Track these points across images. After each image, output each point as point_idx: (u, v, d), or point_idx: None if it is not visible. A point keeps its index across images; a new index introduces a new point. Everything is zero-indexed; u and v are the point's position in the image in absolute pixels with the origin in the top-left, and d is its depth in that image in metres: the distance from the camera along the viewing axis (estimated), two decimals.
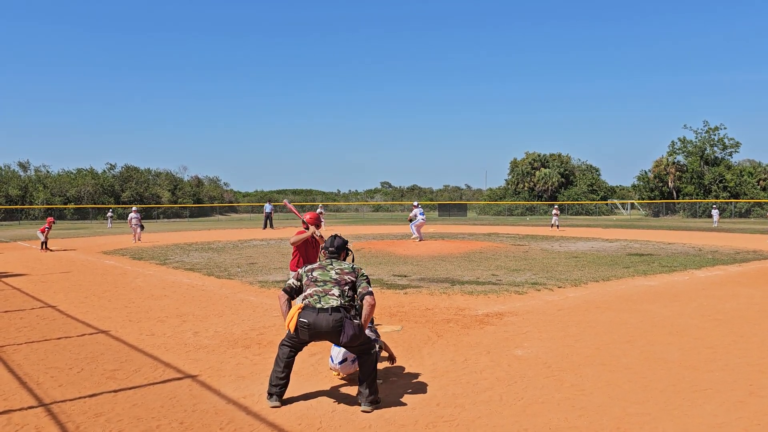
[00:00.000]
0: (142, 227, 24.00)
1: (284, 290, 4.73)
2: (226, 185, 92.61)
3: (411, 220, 22.49)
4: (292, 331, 4.47)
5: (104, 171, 72.74)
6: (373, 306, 4.59)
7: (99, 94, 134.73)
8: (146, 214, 64.40)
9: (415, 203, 23.79)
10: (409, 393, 4.76)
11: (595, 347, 6.16)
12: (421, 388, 4.89)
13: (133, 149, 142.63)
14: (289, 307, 4.62)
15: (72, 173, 70.43)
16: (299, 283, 4.73)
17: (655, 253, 17.22)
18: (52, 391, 4.84)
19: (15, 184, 61.97)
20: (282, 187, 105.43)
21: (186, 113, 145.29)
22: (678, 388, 4.84)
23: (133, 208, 25.06)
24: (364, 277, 4.71)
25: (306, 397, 4.69)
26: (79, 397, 4.69)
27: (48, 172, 70.66)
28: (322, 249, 4.98)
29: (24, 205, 58.50)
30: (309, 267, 4.78)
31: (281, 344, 4.66)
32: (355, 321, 4.50)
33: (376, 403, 4.46)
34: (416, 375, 5.26)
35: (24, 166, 70.59)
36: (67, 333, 7.08)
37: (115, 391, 4.83)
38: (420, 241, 21.30)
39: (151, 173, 77.21)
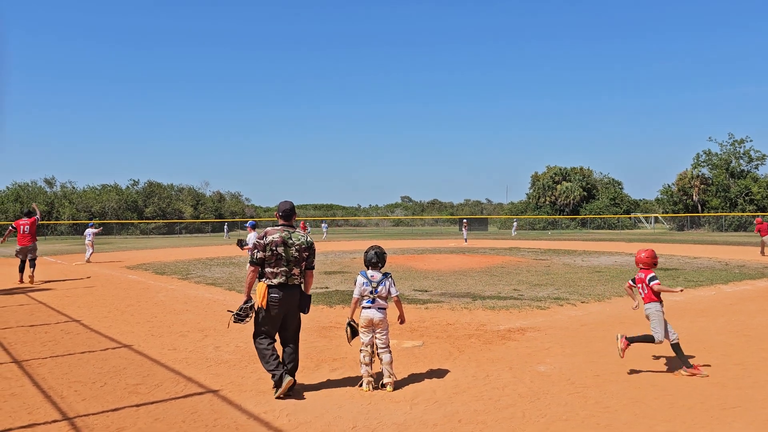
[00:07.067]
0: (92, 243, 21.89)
1: (254, 263, 5.13)
2: (248, 200, 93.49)
3: None
4: (264, 306, 5.03)
5: (128, 187, 73.95)
6: (313, 277, 5.45)
7: (123, 110, 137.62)
8: (168, 230, 65.30)
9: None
10: (431, 409, 4.71)
11: (620, 363, 6.04)
12: (443, 404, 4.84)
13: (156, 164, 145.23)
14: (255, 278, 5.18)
15: (97, 189, 71.69)
16: (264, 255, 5.10)
17: (681, 267, 16.93)
18: (76, 405, 4.90)
19: (41, 200, 63.25)
20: (303, 202, 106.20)
21: (208, 129, 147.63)
22: (706, 406, 4.72)
23: (90, 224, 23.07)
24: (313, 252, 5.37)
25: (324, 413, 4.67)
26: (102, 411, 4.73)
27: (74, 188, 72.03)
28: (276, 213, 5.42)
29: (50, 220, 59.66)
30: (271, 239, 5.10)
31: (257, 338, 5.19)
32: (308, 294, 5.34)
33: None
34: (438, 391, 5.20)
35: (50, 183, 72.08)
36: (90, 347, 7.17)
37: (137, 406, 4.86)
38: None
39: (174, 189, 78.29)
